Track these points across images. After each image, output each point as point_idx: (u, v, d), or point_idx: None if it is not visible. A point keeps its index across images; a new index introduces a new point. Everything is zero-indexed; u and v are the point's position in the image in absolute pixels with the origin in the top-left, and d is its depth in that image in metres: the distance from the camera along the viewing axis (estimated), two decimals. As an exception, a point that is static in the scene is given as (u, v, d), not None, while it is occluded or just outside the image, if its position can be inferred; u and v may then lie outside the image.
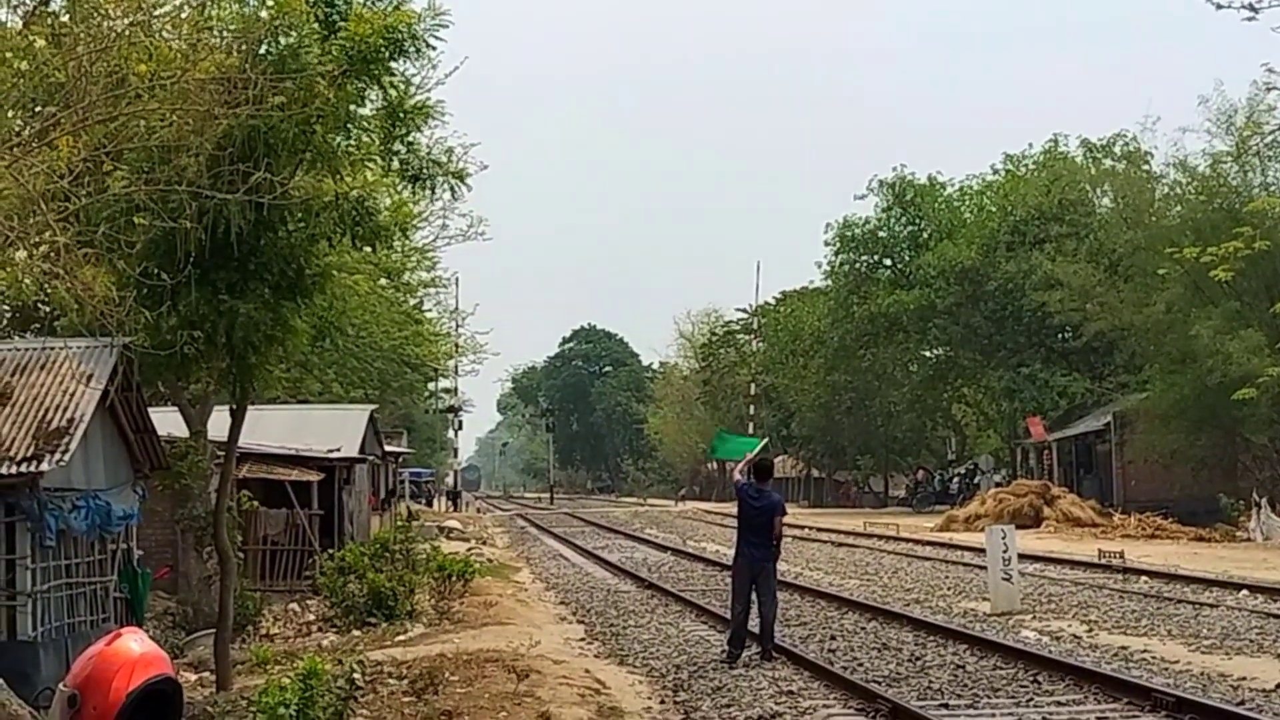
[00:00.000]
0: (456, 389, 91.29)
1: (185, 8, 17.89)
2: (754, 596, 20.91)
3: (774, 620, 21.02)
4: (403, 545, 33.64)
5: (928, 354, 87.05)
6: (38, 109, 17.44)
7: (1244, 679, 18.07)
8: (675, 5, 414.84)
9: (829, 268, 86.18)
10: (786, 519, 22.06)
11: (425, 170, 19.96)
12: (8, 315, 32.41)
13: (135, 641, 4.64)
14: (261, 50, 17.77)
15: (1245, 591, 28.27)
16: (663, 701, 17.86)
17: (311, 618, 30.30)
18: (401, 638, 25.13)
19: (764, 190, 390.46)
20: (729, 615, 21.72)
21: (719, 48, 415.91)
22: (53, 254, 14.54)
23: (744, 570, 21.04)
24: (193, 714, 17.79)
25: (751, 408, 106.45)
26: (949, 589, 31.71)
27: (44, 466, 20.38)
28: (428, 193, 21.00)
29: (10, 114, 17.30)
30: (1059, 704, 16.52)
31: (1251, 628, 23.07)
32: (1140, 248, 56.99)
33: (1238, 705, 15.90)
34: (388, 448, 55.28)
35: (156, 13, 17.62)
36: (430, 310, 59.28)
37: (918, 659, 20.46)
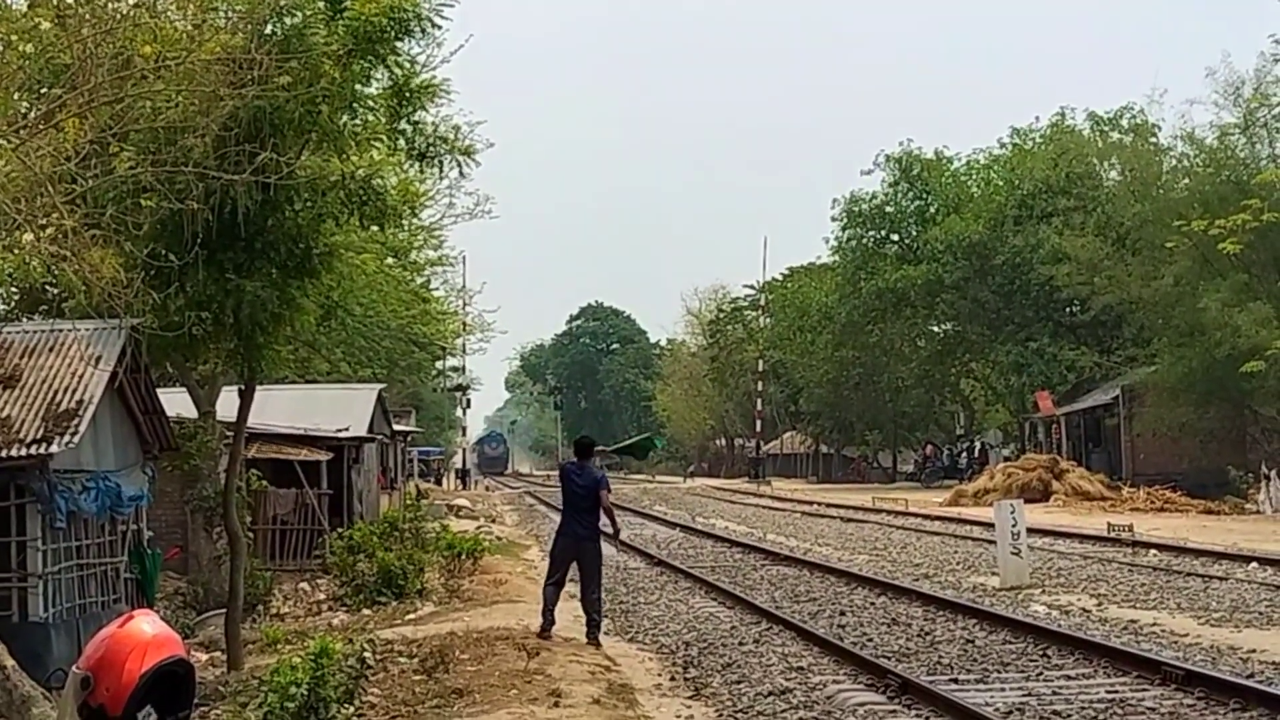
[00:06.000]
0: (464, 367, 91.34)
1: (190, -12, 17.88)
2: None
3: (599, 602, 20.56)
4: (412, 524, 33.73)
5: (935, 329, 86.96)
6: (43, 91, 17.45)
7: (1254, 651, 18.09)
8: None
9: (836, 243, 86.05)
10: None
11: (432, 148, 19.96)
12: (15, 298, 32.34)
13: (148, 623, 4.64)
14: (267, 30, 17.83)
15: (1255, 564, 28.25)
16: (673, 678, 17.93)
17: (321, 597, 30.38)
18: (411, 616, 25.20)
19: (771, 166, 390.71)
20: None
21: (726, 27, 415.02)
22: (60, 236, 14.53)
23: (565, 549, 20.67)
24: (205, 694, 17.92)
25: (759, 384, 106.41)
26: (958, 564, 31.74)
27: (53, 448, 20.42)
28: (435, 170, 20.95)
29: (16, 96, 17.33)
30: (1069, 677, 16.53)
31: (1261, 600, 23.09)
32: (1148, 221, 56.82)
33: (1248, 678, 15.90)
34: (396, 426, 55.34)
35: (161, -7, 17.63)
36: (438, 289, 58.98)
37: (927, 634, 20.49)
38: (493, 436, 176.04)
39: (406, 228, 41.84)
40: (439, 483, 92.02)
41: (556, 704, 15.30)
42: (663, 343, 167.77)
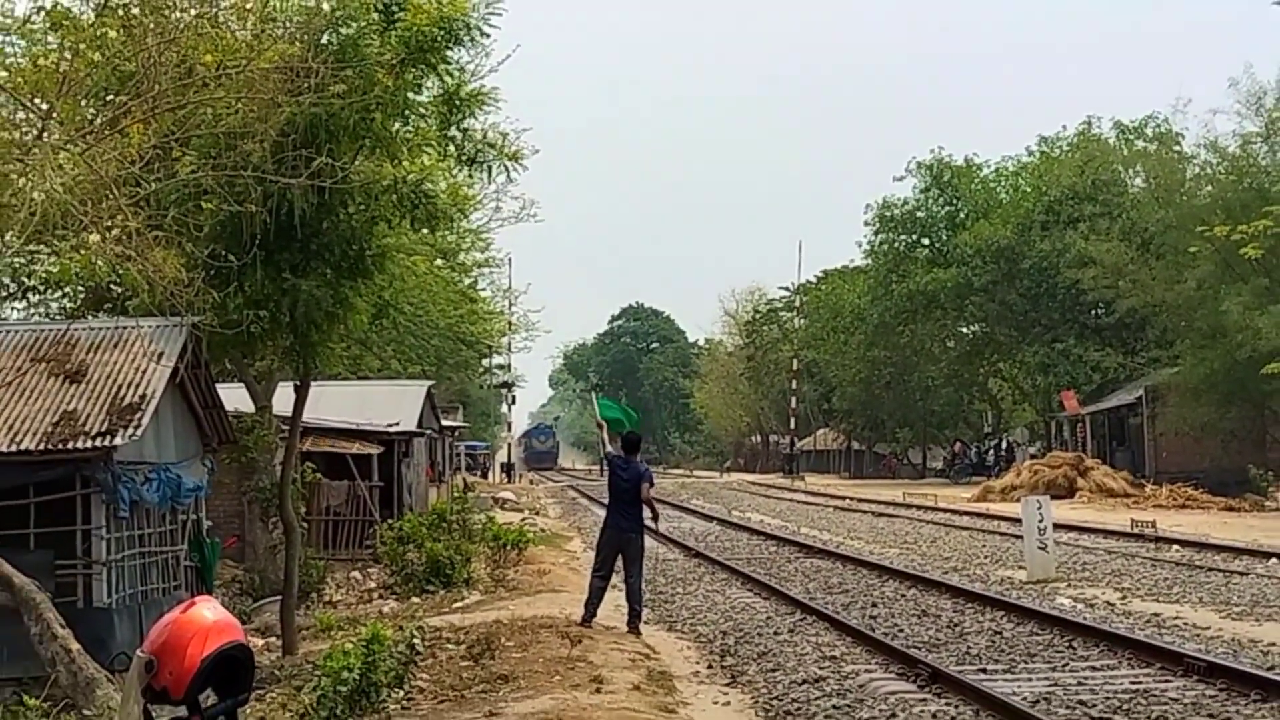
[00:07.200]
0: (510, 365, 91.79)
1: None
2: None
3: (640, 591, 21.07)
4: (459, 516, 34.07)
5: (965, 330, 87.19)
6: (110, 98, 17.80)
7: (1274, 644, 18.21)
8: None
9: (869, 247, 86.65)
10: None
11: (480, 153, 20.44)
12: (82, 296, 33.00)
13: (209, 609, 5.07)
14: (323, 40, 18.36)
15: (1275, 560, 28.40)
16: (710, 666, 18.24)
17: (372, 585, 30.77)
18: (459, 604, 25.53)
19: (805, 172, 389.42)
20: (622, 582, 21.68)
21: (761, 35, 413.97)
22: (125, 237, 14.86)
23: (610, 540, 21.17)
24: (261, 678, 18.33)
25: (794, 383, 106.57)
26: (986, 557, 31.95)
27: (118, 441, 20.82)
28: (483, 175, 21.41)
29: (84, 103, 17.82)
30: (1093, 669, 16.65)
31: (1281, 595, 23.26)
32: (1171, 226, 57.01)
33: (1268, 670, 15.95)
34: (444, 422, 55.64)
35: (223, 4, 18.10)
36: (484, 289, 59.76)
37: (956, 625, 20.62)
38: (541, 430, 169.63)
39: (455, 230, 42.44)
40: (485, 476, 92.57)
41: (598, 690, 15.44)
42: (701, 342, 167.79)
